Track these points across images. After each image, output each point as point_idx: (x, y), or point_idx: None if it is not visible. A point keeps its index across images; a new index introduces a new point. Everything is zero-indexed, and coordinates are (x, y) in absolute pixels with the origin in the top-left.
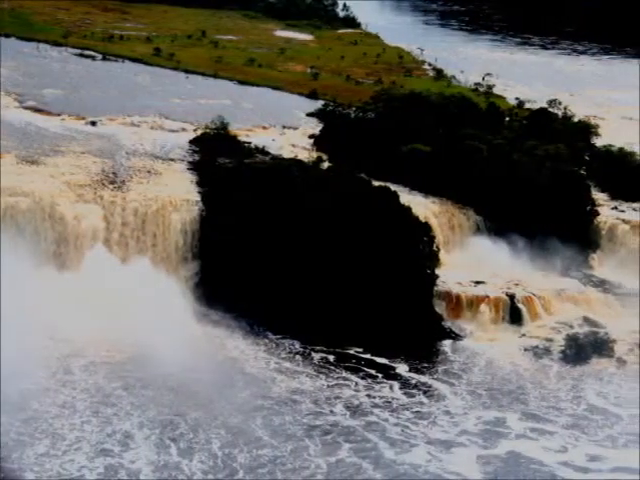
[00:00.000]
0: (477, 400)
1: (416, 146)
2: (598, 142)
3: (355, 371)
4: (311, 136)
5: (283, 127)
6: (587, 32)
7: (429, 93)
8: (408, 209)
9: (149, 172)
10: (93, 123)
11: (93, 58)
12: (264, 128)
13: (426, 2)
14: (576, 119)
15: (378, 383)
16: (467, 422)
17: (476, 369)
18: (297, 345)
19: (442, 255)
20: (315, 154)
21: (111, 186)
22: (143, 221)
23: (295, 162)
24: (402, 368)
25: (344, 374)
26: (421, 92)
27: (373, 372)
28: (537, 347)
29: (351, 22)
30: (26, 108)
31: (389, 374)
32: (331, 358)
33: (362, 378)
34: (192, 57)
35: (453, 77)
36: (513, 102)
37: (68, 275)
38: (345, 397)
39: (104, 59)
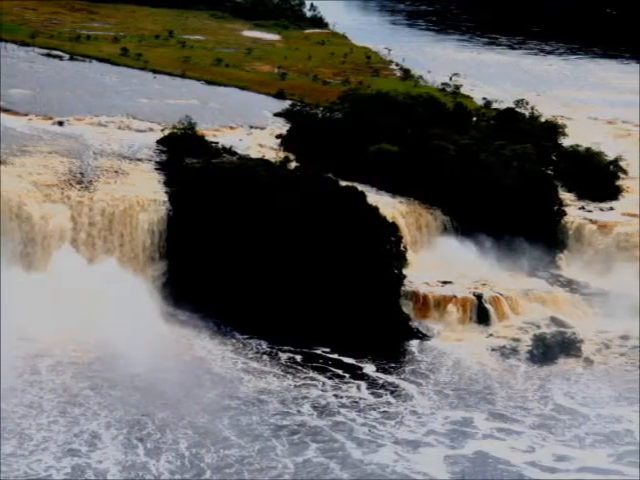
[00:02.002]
0: (444, 400)
1: (383, 146)
2: (565, 142)
3: (322, 371)
4: (278, 136)
5: (250, 127)
6: (554, 32)
7: (396, 93)
8: (375, 209)
9: (116, 172)
10: (60, 123)
11: (60, 58)
12: (231, 128)
13: (393, 2)
14: (543, 119)
15: (345, 383)
16: (434, 422)
17: (443, 369)
18: (264, 345)
19: (409, 255)
20: (282, 154)
21: (78, 186)
22: (110, 221)
23: (262, 162)
24: (369, 368)
25: (311, 374)
26: (388, 92)
27: (340, 372)
28: (504, 347)
29: (318, 22)
30: None
31: (356, 374)
32: (298, 358)
33: (329, 378)
34: (159, 57)
35: (420, 77)
36: (480, 102)
37: (35, 275)
38: (312, 397)
39: (71, 59)
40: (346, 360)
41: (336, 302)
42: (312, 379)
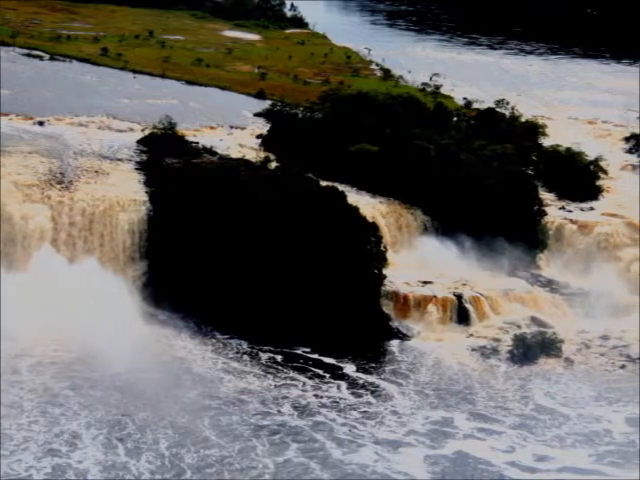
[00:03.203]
0: (425, 400)
1: (364, 146)
2: (545, 142)
3: (303, 371)
4: (259, 136)
5: (231, 127)
6: (535, 32)
7: (377, 93)
8: (356, 209)
9: (97, 172)
10: (41, 123)
11: (41, 58)
12: (212, 128)
13: (373, 2)
14: (524, 119)
15: (326, 383)
16: (415, 422)
17: (424, 369)
18: (245, 345)
19: (390, 255)
20: (263, 154)
21: (59, 186)
22: (90, 221)
23: (243, 162)
24: (350, 368)
25: (292, 374)
26: (368, 92)
27: (321, 372)
28: (485, 347)
29: (299, 22)
30: None
31: (337, 374)
32: (279, 358)
33: (310, 378)
34: (140, 57)
35: (401, 77)
36: (461, 102)
37: (16, 275)
38: (293, 397)
39: (52, 59)
40: (326, 360)
41: (317, 302)
42: (292, 379)
